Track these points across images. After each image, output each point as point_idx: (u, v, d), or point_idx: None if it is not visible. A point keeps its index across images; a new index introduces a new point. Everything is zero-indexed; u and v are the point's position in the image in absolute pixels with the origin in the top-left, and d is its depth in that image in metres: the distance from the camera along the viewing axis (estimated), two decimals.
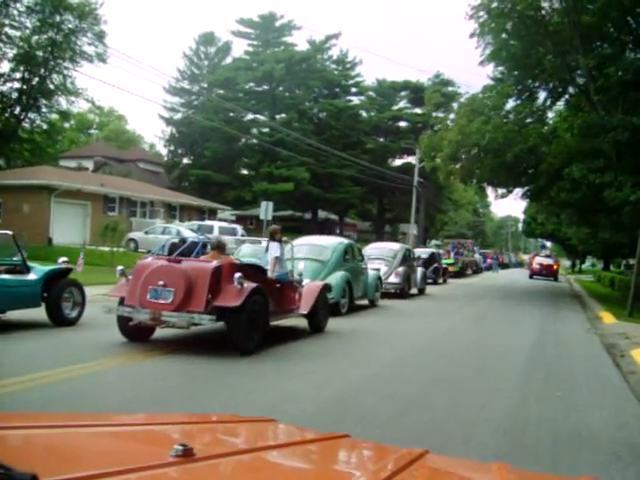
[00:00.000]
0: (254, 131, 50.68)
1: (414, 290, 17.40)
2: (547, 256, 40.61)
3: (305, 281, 9.06)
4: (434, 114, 42.72)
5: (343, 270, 11.28)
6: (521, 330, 11.24)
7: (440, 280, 24.77)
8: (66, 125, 75.22)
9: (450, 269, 28.80)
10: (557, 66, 20.89)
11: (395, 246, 16.86)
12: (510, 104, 23.02)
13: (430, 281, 23.06)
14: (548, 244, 64.90)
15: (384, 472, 1.18)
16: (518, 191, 25.76)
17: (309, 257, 11.16)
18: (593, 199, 19.20)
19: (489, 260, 44.29)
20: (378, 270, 15.33)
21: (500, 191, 26.32)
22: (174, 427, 1.57)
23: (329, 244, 11.67)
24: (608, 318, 13.73)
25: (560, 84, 23.64)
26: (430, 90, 44.79)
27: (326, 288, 9.16)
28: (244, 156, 49.52)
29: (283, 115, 52.79)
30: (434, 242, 41.23)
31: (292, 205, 58.37)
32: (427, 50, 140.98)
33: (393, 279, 15.42)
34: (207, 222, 29.25)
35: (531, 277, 36.17)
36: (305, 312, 8.46)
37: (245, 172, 51.72)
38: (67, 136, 75.12)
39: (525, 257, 68.23)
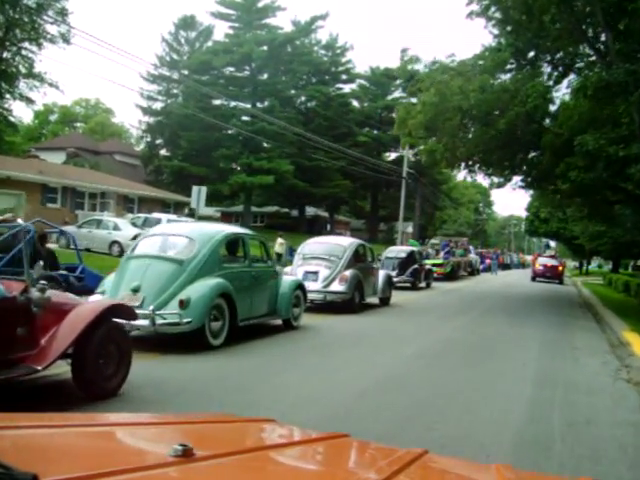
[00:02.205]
0: (234, 120, 46.48)
1: (374, 299, 13.05)
2: (551, 256, 36.49)
3: (94, 297, 4.78)
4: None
5: (218, 276, 6.90)
6: (505, 379, 6.66)
7: (422, 284, 20.54)
8: (51, 118, 71.94)
9: (438, 271, 24.69)
10: (563, 29, 16.75)
11: (344, 242, 12.43)
12: (507, 76, 18.85)
13: (408, 285, 19.13)
14: (552, 244, 60.35)
15: (383, 472, 1.15)
16: (517, 180, 21.53)
17: (159, 255, 6.82)
18: (610, 184, 14.97)
19: (487, 261, 39.96)
20: (316, 274, 11.10)
21: (496, 180, 22.14)
22: (174, 427, 1.54)
23: (198, 235, 6.97)
24: (639, 345, 9.44)
25: (567, 55, 19.39)
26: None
27: (117, 311, 4.67)
28: (223, 146, 45.33)
29: (266, 103, 48.74)
30: (432, 241, 38.33)
31: (278, 201, 54.36)
32: (425, 40, 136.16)
33: (337, 286, 11.02)
34: (155, 215, 25.05)
35: (533, 279, 32.41)
36: (42, 366, 4.00)
37: (224, 164, 47.47)
38: (51, 129, 71.72)
39: (527, 257, 64.06)
